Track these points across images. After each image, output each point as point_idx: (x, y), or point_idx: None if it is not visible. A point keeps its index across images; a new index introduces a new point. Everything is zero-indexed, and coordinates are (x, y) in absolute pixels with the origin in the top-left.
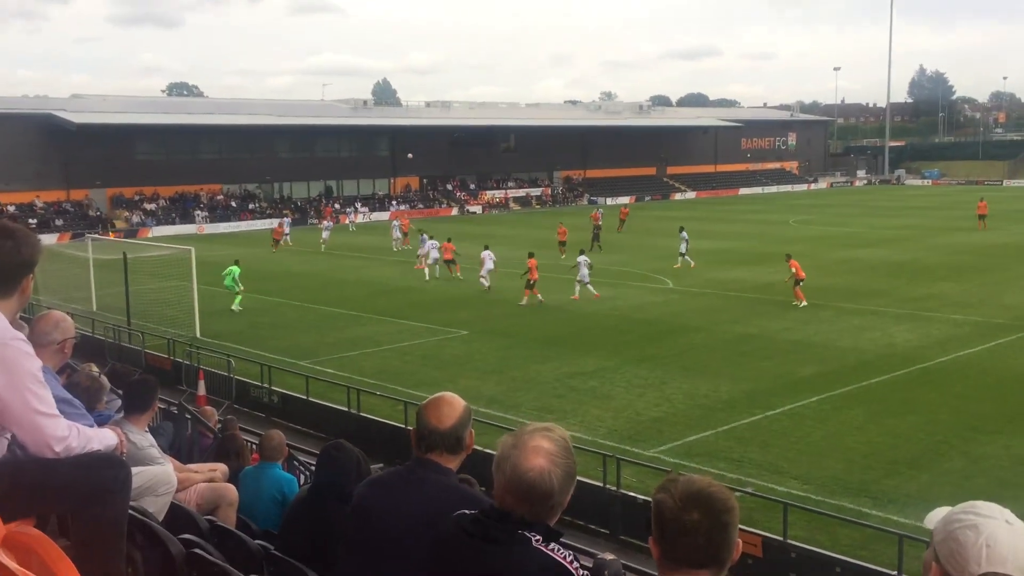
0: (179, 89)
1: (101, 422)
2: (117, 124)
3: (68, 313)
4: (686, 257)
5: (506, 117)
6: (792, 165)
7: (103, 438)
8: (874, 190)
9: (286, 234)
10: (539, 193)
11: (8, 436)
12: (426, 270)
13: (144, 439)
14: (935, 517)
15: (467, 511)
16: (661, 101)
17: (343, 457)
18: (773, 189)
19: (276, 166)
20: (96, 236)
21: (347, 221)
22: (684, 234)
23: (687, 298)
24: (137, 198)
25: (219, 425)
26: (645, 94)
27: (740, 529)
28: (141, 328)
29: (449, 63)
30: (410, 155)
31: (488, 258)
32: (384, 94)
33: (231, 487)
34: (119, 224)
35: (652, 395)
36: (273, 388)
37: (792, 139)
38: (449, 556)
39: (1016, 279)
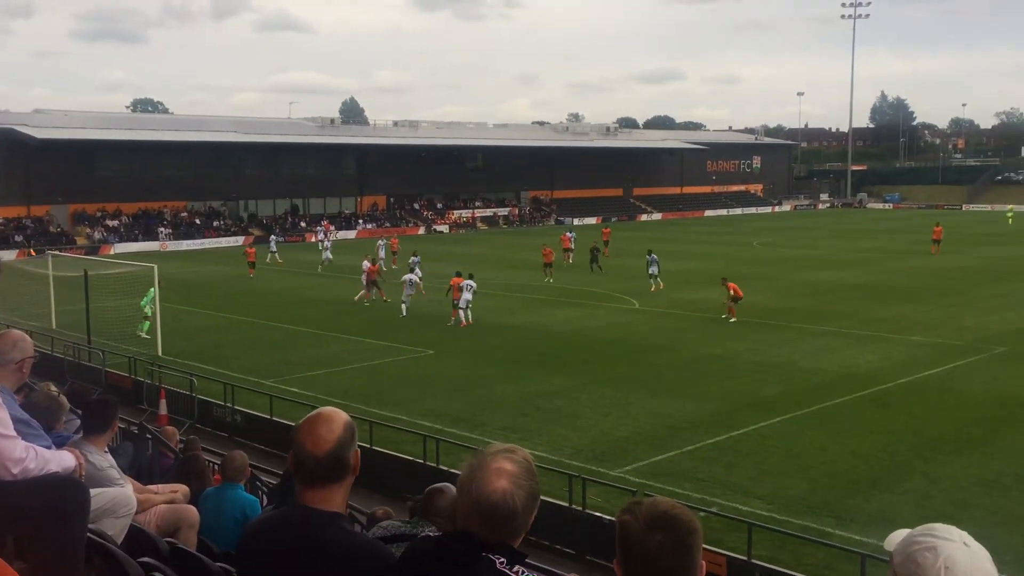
0: (143, 105)
1: (59, 443)
2: (80, 140)
3: (26, 331)
4: (657, 279)
5: (474, 137)
6: (757, 188)
7: (61, 460)
8: (837, 213)
9: (273, 251)
10: (506, 213)
11: None
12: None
13: (103, 460)
14: (894, 539)
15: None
16: (628, 123)
17: None
18: (738, 211)
19: (242, 183)
20: (56, 252)
21: (317, 240)
22: (653, 256)
23: (653, 318)
24: (99, 214)
25: (180, 445)
26: (612, 116)
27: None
28: (102, 346)
29: (417, 82)
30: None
31: (467, 288)
32: (351, 112)
33: (192, 508)
34: (80, 241)
35: (618, 415)
36: (236, 408)
37: (757, 162)
38: None
39: (975, 302)
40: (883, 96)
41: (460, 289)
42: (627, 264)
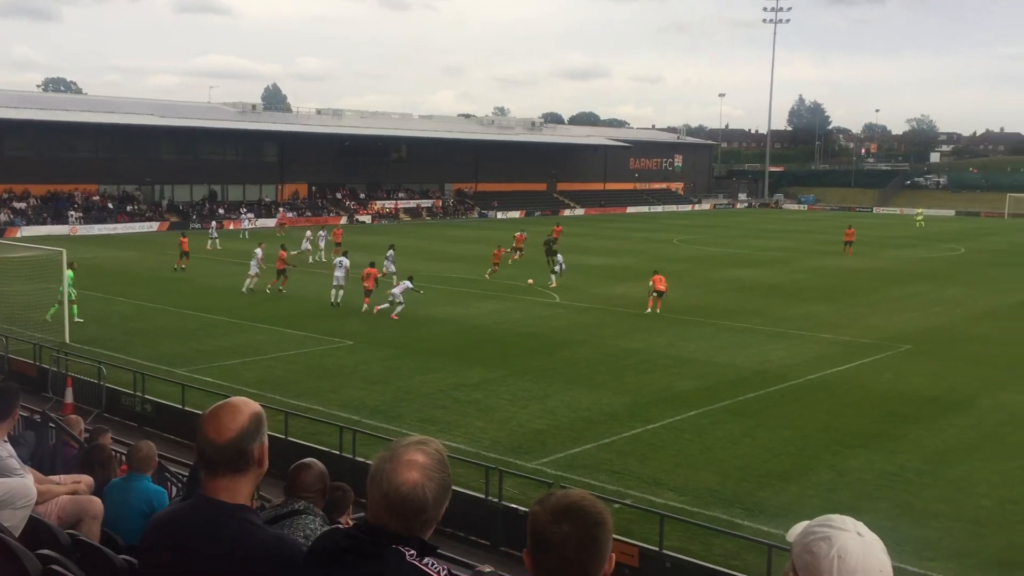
0: (55, 84)
1: None
2: None
3: None
4: (558, 274)
5: (398, 127)
6: (678, 186)
7: None
8: (754, 213)
9: (214, 238)
10: (430, 204)
11: None
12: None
13: (3, 449)
14: (795, 531)
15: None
16: (553, 118)
17: None
18: (659, 209)
19: (157, 168)
20: None
21: (210, 228)
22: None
23: (573, 313)
24: (6, 196)
25: (86, 435)
26: (537, 111)
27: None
28: (5, 332)
29: (340, 71)
30: (401, 156)
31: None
32: (274, 99)
33: (96, 500)
34: None
35: (536, 407)
36: (146, 397)
37: (678, 161)
38: (318, 574)
39: (882, 302)
40: (801, 100)
41: (375, 280)
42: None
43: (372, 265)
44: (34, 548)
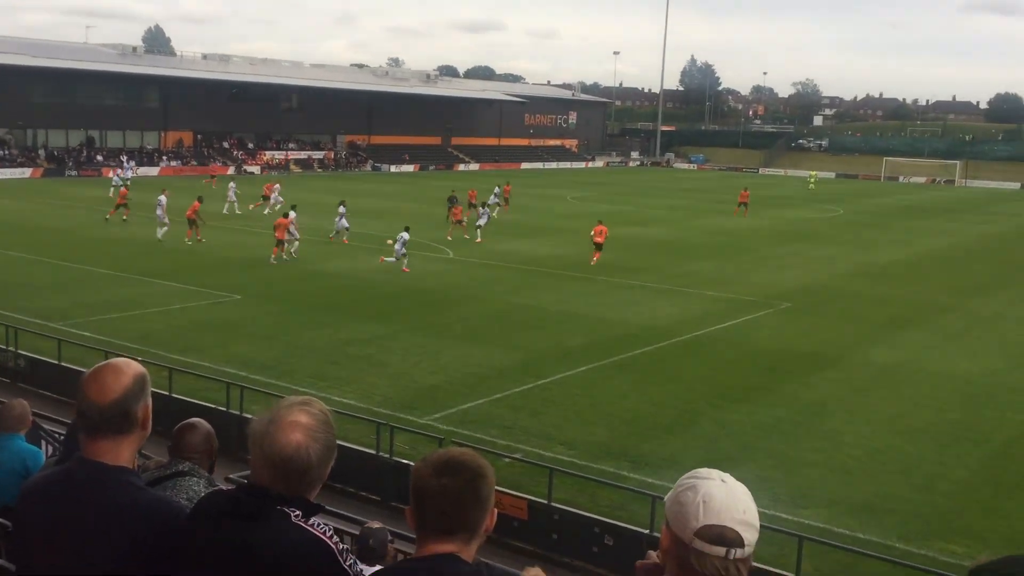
0: None
1: None
2: None
3: None
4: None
5: (289, 76)
6: (572, 143)
7: None
8: (646, 171)
9: (116, 185)
10: (322, 156)
11: None
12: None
13: None
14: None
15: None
16: (448, 71)
17: None
18: (553, 165)
19: (30, 111)
20: None
21: (113, 174)
22: (342, 208)
23: (465, 268)
24: None
25: None
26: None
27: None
28: None
29: (228, 14)
30: (292, 105)
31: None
32: (156, 42)
33: None
34: None
35: (428, 363)
36: (20, 352)
37: (573, 118)
38: (201, 536)
39: (765, 260)
40: (693, 61)
41: (287, 230)
42: (438, 213)
43: (286, 216)
44: None
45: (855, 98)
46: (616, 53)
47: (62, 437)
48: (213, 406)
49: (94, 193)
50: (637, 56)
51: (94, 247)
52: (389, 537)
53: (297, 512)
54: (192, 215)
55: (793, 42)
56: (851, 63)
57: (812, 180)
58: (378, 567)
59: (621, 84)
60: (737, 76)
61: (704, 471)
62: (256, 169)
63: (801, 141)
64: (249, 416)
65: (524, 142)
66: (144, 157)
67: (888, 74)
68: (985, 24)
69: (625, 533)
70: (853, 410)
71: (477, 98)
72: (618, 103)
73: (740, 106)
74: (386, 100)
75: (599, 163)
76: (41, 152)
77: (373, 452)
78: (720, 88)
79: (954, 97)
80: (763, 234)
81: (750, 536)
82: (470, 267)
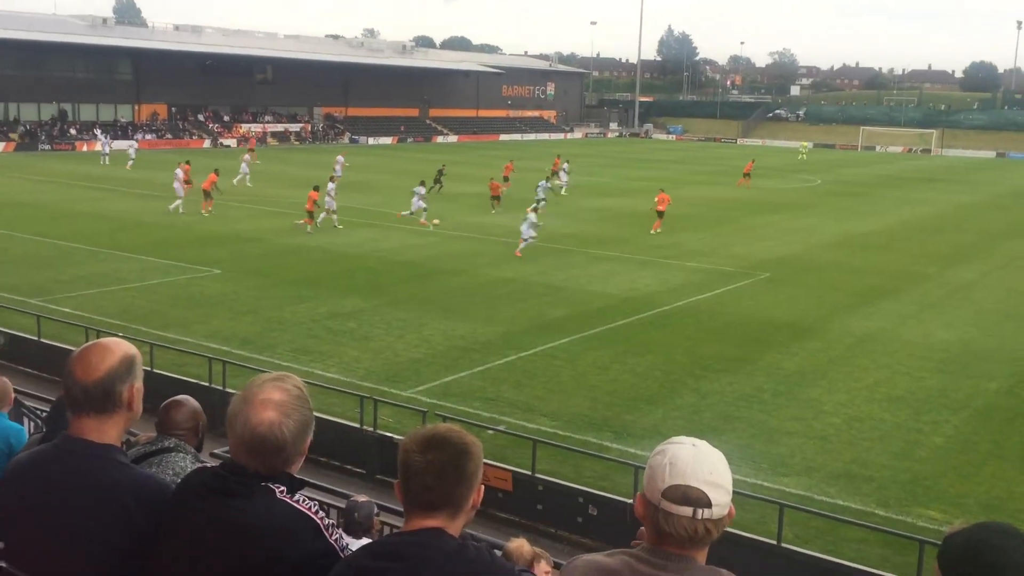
0: None
1: None
2: None
3: None
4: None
5: (263, 47)
6: (550, 114)
7: None
8: (624, 142)
9: (105, 154)
10: (299, 129)
11: None
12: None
13: None
14: None
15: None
16: (424, 42)
17: None
18: (532, 137)
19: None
20: None
21: (91, 148)
22: (422, 189)
23: (447, 241)
24: None
25: None
26: (408, 34)
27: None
28: None
29: None
30: (267, 77)
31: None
32: (127, 12)
33: None
34: None
35: (411, 336)
36: (0, 329)
37: (551, 89)
38: (186, 513)
39: (744, 231)
40: (670, 30)
41: (213, 185)
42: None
43: (216, 172)
44: None
45: (831, 67)
46: (593, 23)
47: (44, 414)
48: (195, 381)
49: (67, 168)
50: (614, 27)
51: (70, 221)
52: (375, 511)
53: (282, 488)
54: (208, 187)
55: (769, 11)
56: (826, 32)
57: (804, 151)
58: (364, 540)
59: (598, 54)
60: (714, 46)
61: (676, 438)
62: (232, 142)
63: (779, 111)
64: (232, 391)
65: (502, 113)
66: (118, 131)
67: (864, 43)
68: None
69: (609, 503)
70: (832, 379)
71: (454, 69)
72: (596, 74)
73: (718, 76)
74: (362, 72)
75: (578, 134)
76: (20, 128)
77: (357, 426)
78: (697, 58)
79: (929, 66)
80: (741, 205)
81: (718, 496)
82: (451, 240)
